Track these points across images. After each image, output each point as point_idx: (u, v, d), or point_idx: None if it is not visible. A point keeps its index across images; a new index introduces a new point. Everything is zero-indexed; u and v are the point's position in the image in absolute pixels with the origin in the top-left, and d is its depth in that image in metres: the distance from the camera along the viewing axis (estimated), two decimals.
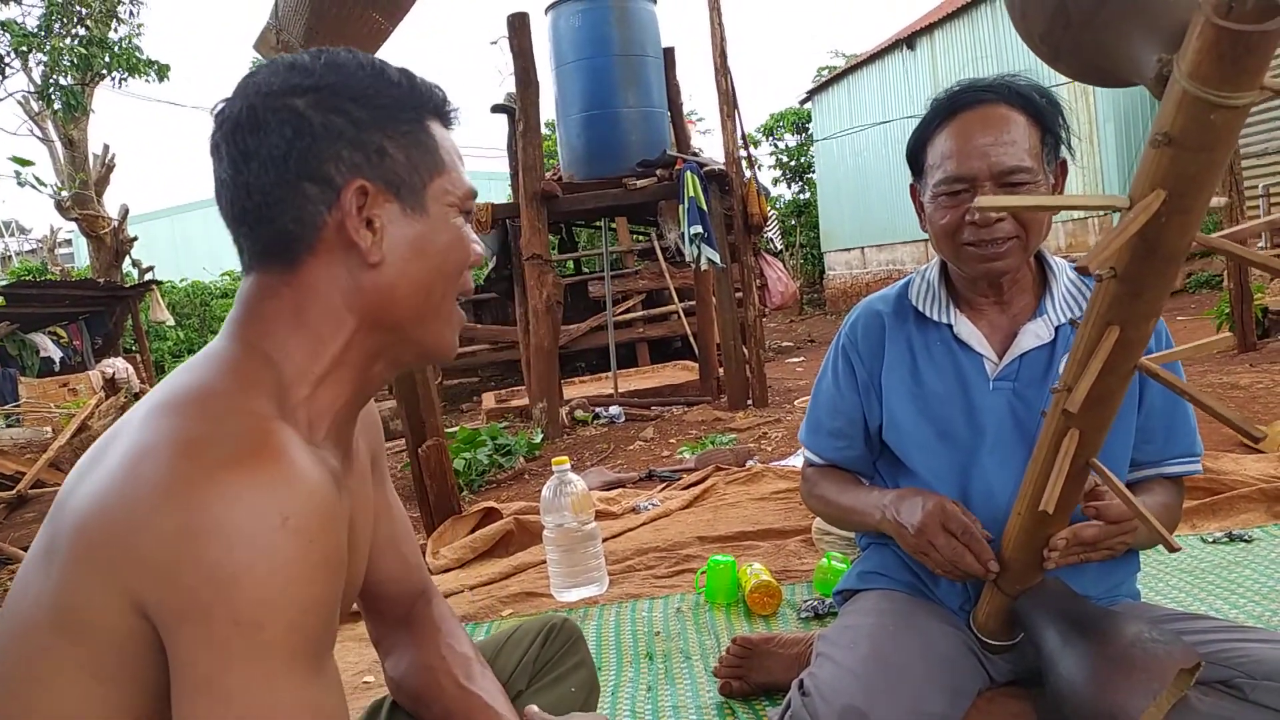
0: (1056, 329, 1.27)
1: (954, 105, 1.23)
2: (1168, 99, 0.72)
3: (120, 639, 0.63)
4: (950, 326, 1.32)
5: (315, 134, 0.73)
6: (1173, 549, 0.98)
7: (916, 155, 1.30)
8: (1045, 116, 1.22)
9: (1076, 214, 11.26)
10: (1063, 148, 1.25)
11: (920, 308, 1.35)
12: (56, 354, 10.29)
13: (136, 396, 8.64)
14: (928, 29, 13.82)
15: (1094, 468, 1.02)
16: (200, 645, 0.60)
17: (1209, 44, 0.67)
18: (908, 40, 14.36)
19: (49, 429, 6.58)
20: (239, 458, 0.63)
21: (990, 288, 1.29)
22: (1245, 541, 2.22)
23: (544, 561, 2.49)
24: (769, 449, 4.51)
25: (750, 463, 3.95)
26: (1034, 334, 1.27)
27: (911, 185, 1.34)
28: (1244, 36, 0.66)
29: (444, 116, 0.82)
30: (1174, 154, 0.73)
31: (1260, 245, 8.29)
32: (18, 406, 8.04)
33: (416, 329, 0.79)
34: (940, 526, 1.17)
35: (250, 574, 0.60)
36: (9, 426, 7.21)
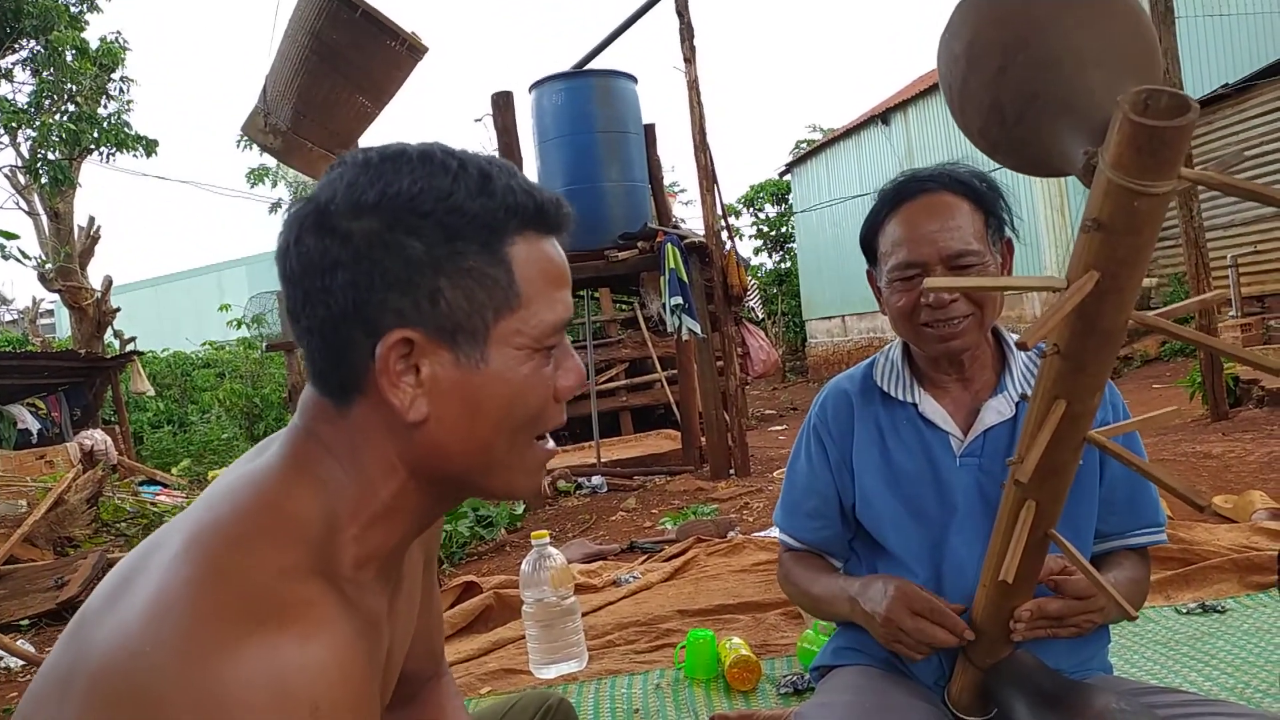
0: (1017, 404, 1.30)
1: (900, 195, 1.29)
2: (1095, 188, 0.77)
3: None
4: (915, 405, 1.35)
5: (360, 272, 0.64)
6: (1131, 618, 0.99)
7: (869, 242, 1.35)
8: (986, 200, 1.28)
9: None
10: (1006, 228, 1.31)
11: (885, 388, 1.38)
12: (34, 426, 10.16)
13: (114, 469, 8.52)
14: (901, 105, 14.28)
15: (1053, 539, 1.04)
16: None
17: (1128, 138, 0.72)
18: (882, 116, 14.81)
19: (24, 503, 6.47)
20: (267, 628, 0.56)
21: (951, 365, 1.33)
22: (1219, 612, 2.23)
23: (523, 637, 2.46)
24: (750, 519, 4.49)
25: (732, 533, 3.94)
26: (996, 410, 1.30)
27: (868, 271, 1.39)
28: (1159, 131, 0.71)
29: (540, 226, 0.70)
30: (1104, 238, 0.78)
31: (1232, 314, 8.46)
32: None
33: (476, 480, 0.72)
34: (906, 610, 1.18)
35: None
36: None
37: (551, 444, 0.75)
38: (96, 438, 9.62)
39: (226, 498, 0.67)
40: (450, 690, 1.04)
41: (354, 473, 0.68)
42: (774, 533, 3.74)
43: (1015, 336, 1.35)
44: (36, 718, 0.61)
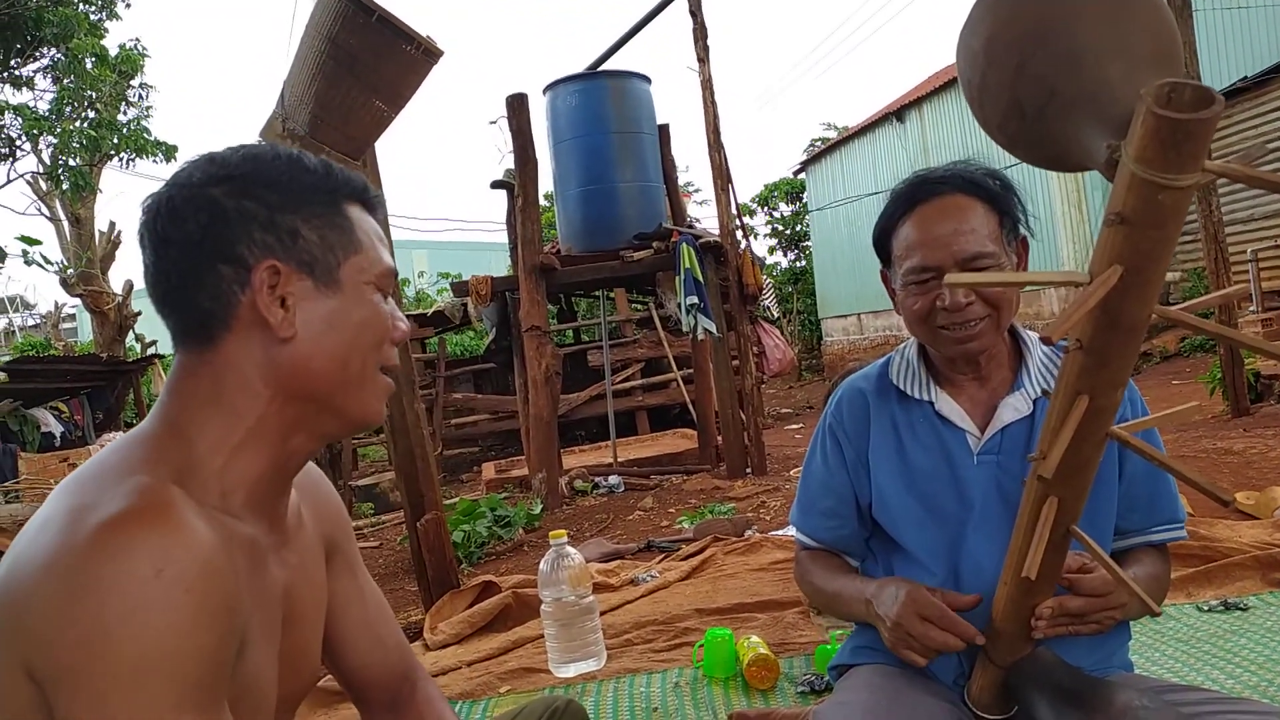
0: (1035, 401, 1.30)
1: (913, 198, 1.28)
2: (1118, 182, 0.77)
3: (21, 709, 0.64)
4: (932, 403, 1.34)
5: (229, 218, 0.77)
6: (1154, 614, 0.98)
7: (882, 244, 1.34)
8: (1000, 200, 1.26)
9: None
10: (1021, 227, 1.30)
11: (901, 386, 1.37)
12: (57, 429, 10.27)
13: None
14: (916, 102, 14.21)
15: (1075, 535, 1.03)
16: (82, 707, 0.61)
17: (1151, 131, 0.72)
18: (897, 113, 14.75)
19: None
20: (119, 520, 0.64)
21: (968, 365, 1.32)
22: (1241, 610, 2.21)
23: (542, 636, 2.47)
24: (767, 518, 4.49)
25: (749, 532, 3.94)
26: (1013, 408, 1.30)
27: (882, 272, 1.39)
28: (1183, 124, 0.70)
29: (365, 201, 0.85)
30: (1127, 232, 0.77)
31: (1252, 309, 8.37)
32: (17, 483, 8.00)
33: (336, 398, 0.81)
34: (915, 616, 1.18)
35: (123, 628, 0.61)
36: (8, 502, 7.17)
37: (389, 381, 0.86)
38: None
39: (101, 453, 0.76)
40: (431, 694, 1.06)
41: (216, 408, 0.77)
42: (791, 531, 3.73)
43: (1032, 334, 1.34)
44: None
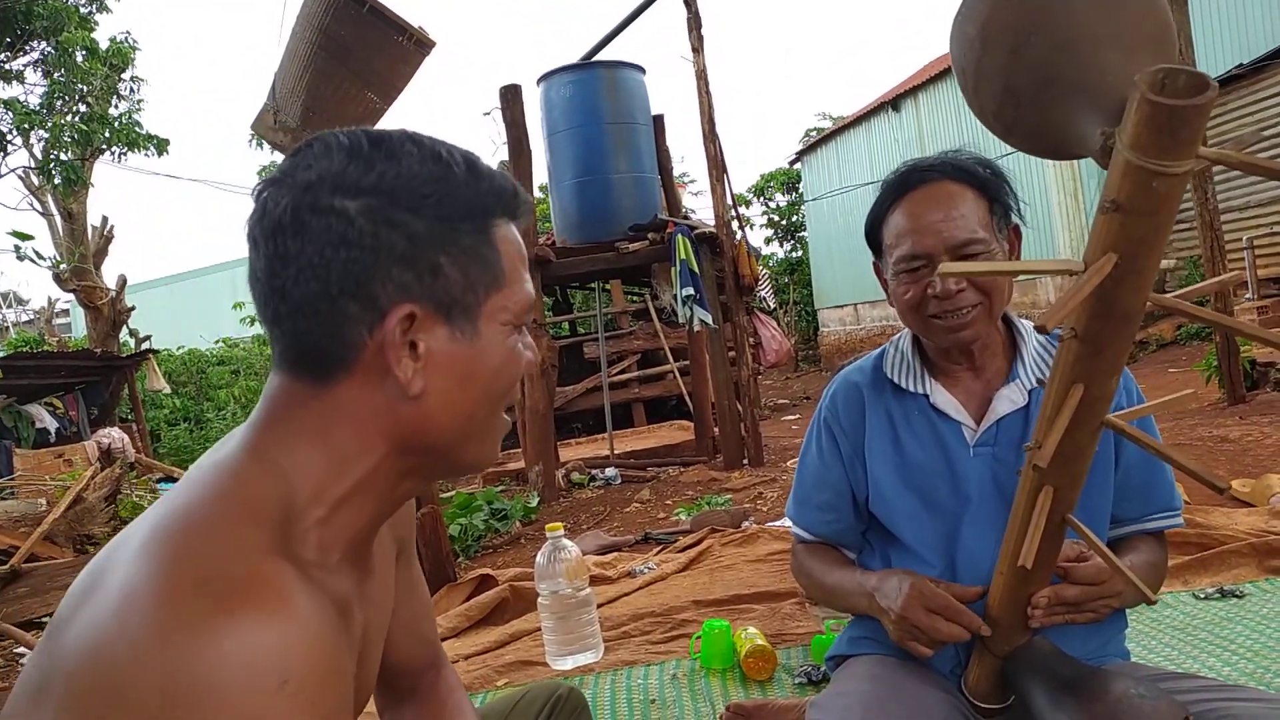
0: (1030, 392, 1.29)
1: (902, 186, 1.28)
2: (1113, 169, 0.76)
3: None
4: (927, 396, 1.34)
5: (364, 247, 0.65)
6: (1150, 601, 0.98)
7: (874, 235, 1.34)
8: (990, 187, 1.26)
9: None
10: (1013, 215, 1.30)
11: (895, 379, 1.37)
12: (52, 425, 10.26)
13: (132, 467, 8.59)
14: (912, 91, 14.18)
15: (1070, 524, 1.03)
16: None
17: (1146, 118, 0.71)
18: (892, 103, 14.72)
19: (44, 501, 6.53)
20: (229, 607, 0.56)
21: (962, 355, 1.32)
22: (1237, 597, 2.21)
23: (539, 629, 2.47)
24: (764, 509, 4.49)
25: (746, 524, 3.94)
26: (1008, 399, 1.29)
27: (874, 263, 1.38)
28: (1177, 110, 0.70)
29: (513, 213, 0.74)
30: (1122, 219, 0.77)
31: (1248, 296, 8.38)
32: (12, 479, 7.99)
33: (456, 450, 0.73)
34: (921, 607, 1.17)
35: None
36: (3, 499, 7.16)
37: (508, 420, 0.78)
38: (114, 436, 9.71)
39: (185, 490, 0.67)
40: (452, 683, 1.04)
41: (325, 454, 0.68)
42: (788, 523, 3.74)
43: (1027, 323, 1.34)
44: None
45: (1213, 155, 0.72)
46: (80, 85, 11.83)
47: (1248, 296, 8.38)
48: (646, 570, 3.23)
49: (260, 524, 0.63)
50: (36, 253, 10.99)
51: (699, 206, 14.87)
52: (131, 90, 12.74)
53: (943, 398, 1.33)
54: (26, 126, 11.61)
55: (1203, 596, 2.24)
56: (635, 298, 10.36)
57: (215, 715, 0.53)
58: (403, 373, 0.67)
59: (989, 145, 1.26)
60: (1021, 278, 11.26)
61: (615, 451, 7.10)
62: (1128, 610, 1.37)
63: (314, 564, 0.66)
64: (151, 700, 0.53)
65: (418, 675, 1.02)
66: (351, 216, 0.65)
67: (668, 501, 5.18)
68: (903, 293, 1.28)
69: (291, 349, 0.68)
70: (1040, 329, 0.77)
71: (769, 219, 20.49)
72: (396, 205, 0.66)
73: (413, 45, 3.10)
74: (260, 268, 0.68)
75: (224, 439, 0.76)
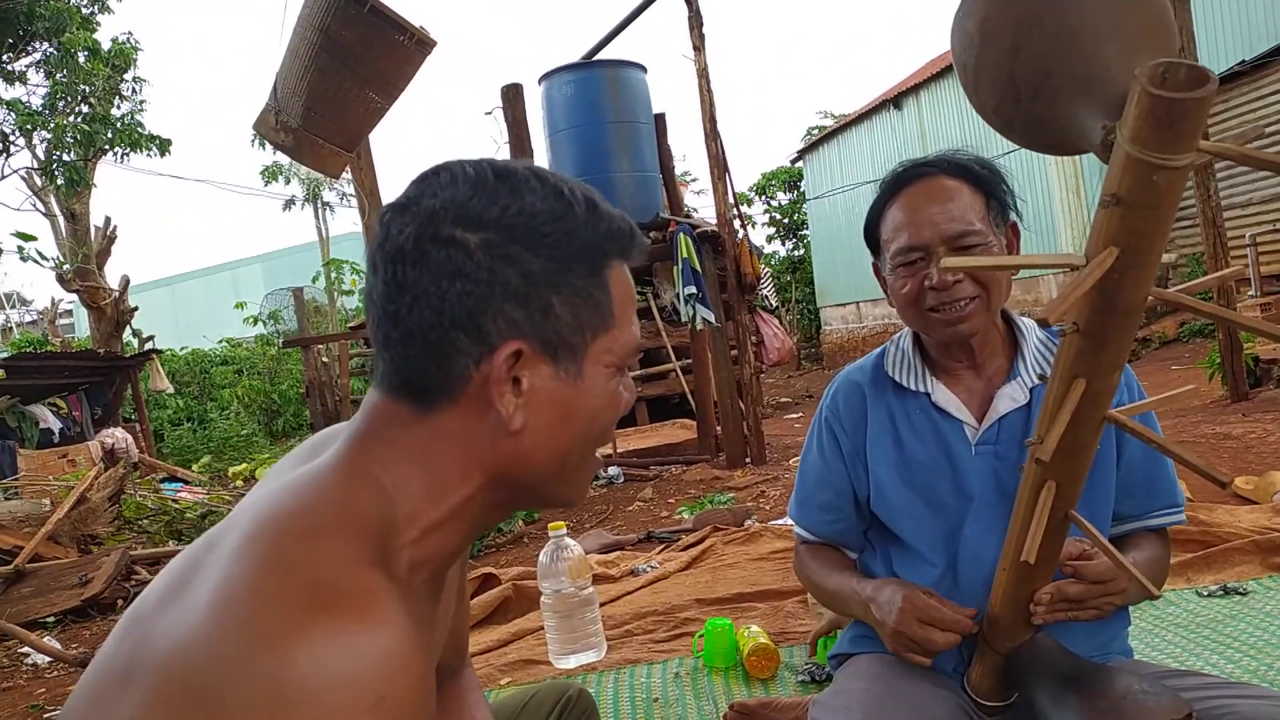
0: (1031, 390, 1.29)
1: (899, 182, 1.28)
2: (1114, 163, 0.76)
3: None
4: (928, 394, 1.34)
5: (479, 281, 0.66)
6: (1153, 598, 0.98)
7: (872, 233, 1.34)
8: (986, 183, 1.26)
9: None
10: (1011, 212, 1.30)
11: (896, 378, 1.37)
12: (56, 425, 10.27)
13: (136, 467, 8.61)
14: (913, 89, 14.17)
15: (1073, 520, 1.03)
16: None
17: (1146, 111, 0.71)
18: (894, 100, 14.71)
19: (47, 501, 6.54)
20: (336, 615, 0.56)
21: (962, 351, 1.31)
22: (1240, 594, 2.21)
23: (542, 628, 2.47)
24: (767, 507, 4.49)
25: (748, 522, 3.94)
26: (1009, 397, 1.29)
27: (874, 264, 1.38)
28: (1178, 103, 0.70)
29: (627, 255, 0.75)
30: (1123, 213, 0.77)
31: (1251, 293, 8.36)
32: (16, 479, 8.01)
33: (547, 487, 0.75)
34: (915, 621, 1.18)
35: None
36: (7, 499, 7.17)
37: (600, 459, 0.79)
38: (117, 436, 9.73)
39: (287, 493, 0.67)
40: (471, 682, 1.05)
41: (424, 477, 0.69)
42: (789, 522, 3.74)
43: (1028, 320, 1.34)
44: (93, 714, 0.60)
45: (1213, 149, 0.72)
46: (83, 86, 11.85)
47: (1251, 294, 8.37)
48: (649, 569, 3.23)
49: (362, 537, 0.64)
50: (40, 253, 11.02)
51: (701, 205, 14.88)
52: (134, 91, 12.76)
53: (944, 396, 1.32)
54: (29, 127, 11.64)
55: (1206, 594, 2.23)
56: (638, 296, 10.35)
57: None
58: (504, 408, 0.68)
59: (992, 142, 1.26)
60: (1024, 273, 11.24)
61: (618, 450, 7.10)
62: (1131, 607, 1.37)
63: (404, 583, 0.66)
64: (243, 699, 0.53)
65: (446, 676, 1.02)
66: (471, 249, 0.66)
67: (670, 500, 5.18)
68: (900, 287, 1.28)
69: (398, 373, 0.69)
70: (1042, 323, 0.77)
71: (771, 217, 20.48)
72: (515, 242, 0.67)
73: (414, 45, 3.10)
74: (378, 292, 0.69)
75: (303, 447, 0.77)
